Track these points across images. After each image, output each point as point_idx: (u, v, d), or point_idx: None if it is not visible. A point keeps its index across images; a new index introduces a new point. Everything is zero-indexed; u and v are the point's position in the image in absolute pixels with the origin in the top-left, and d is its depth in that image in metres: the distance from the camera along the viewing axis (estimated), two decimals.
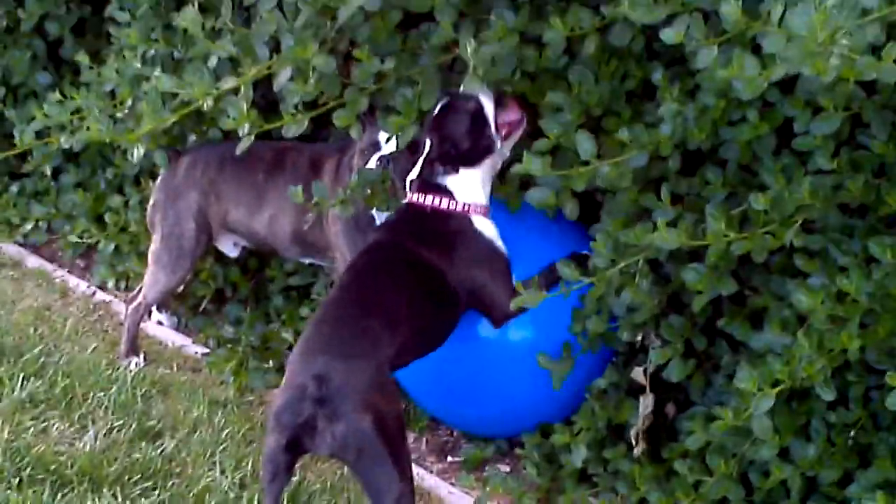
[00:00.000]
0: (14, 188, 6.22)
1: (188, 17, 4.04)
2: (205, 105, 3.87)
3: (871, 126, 3.58)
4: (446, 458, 4.71)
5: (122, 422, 4.57)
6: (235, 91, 3.95)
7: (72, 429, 4.54)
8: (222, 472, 4.31)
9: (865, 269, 3.51)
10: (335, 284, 4.06)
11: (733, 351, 4.15)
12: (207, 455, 4.41)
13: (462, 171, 4.13)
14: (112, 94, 4.97)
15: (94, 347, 5.16)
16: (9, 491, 4.07)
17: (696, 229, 3.71)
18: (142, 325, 5.35)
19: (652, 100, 4.09)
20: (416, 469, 4.40)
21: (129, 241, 5.68)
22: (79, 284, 5.76)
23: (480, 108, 4.10)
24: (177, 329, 5.51)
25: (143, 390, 4.83)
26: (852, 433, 3.80)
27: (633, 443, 4.27)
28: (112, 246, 5.70)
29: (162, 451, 4.41)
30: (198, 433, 4.56)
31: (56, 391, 4.73)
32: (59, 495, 4.08)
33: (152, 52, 5.01)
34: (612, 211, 4.12)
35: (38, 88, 5.88)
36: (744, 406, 3.61)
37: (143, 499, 4.13)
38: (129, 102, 4.83)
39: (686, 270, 3.84)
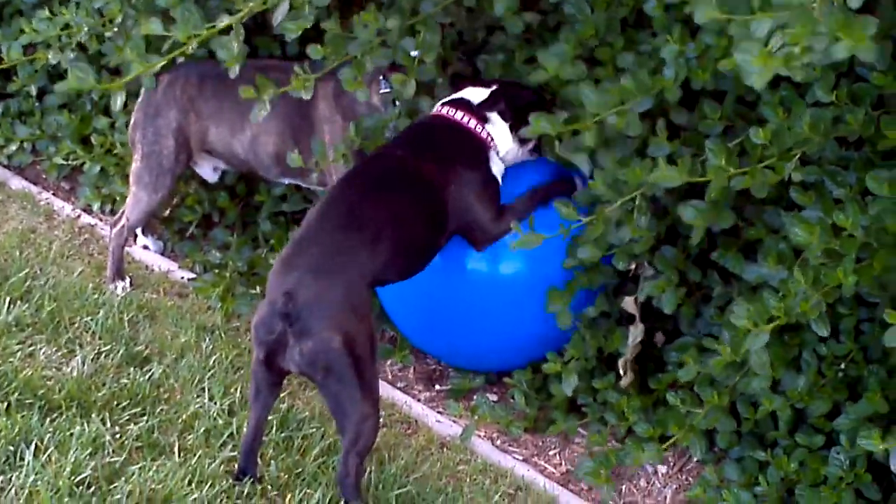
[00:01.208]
0: None
1: None
2: (189, 48, 3.81)
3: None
4: (434, 386, 4.75)
5: (109, 347, 4.57)
6: (227, 31, 3.88)
7: (59, 353, 4.53)
8: (210, 398, 4.32)
9: (861, 203, 3.51)
10: (323, 196, 4.04)
11: (725, 282, 4.17)
12: (195, 381, 4.43)
13: (504, 121, 4.24)
14: (100, 11, 4.91)
15: (81, 271, 5.14)
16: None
17: (693, 164, 3.71)
18: (127, 249, 5.36)
19: (643, 28, 4.09)
20: (402, 397, 4.51)
21: (115, 164, 5.64)
22: (63, 207, 5.73)
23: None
24: (162, 254, 5.48)
25: (130, 315, 4.82)
26: (843, 366, 3.85)
27: (622, 373, 4.30)
28: (98, 168, 5.66)
29: (150, 376, 4.42)
30: (185, 359, 4.57)
31: (42, 315, 4.72)
32: (48, 420, 4.08)
33: None
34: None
35: (23, 7, 5.76)
36: (739, 341, 3.63)
37: (131, 424, 4.14)
38: (119, 20, 4.77)
39: (685, 208, 3.85)
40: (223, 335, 4.78)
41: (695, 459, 4.19)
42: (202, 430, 4.13)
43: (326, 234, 3.80)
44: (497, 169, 4.22)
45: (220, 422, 4.19)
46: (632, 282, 4.32)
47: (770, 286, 3.77)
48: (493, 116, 4.22)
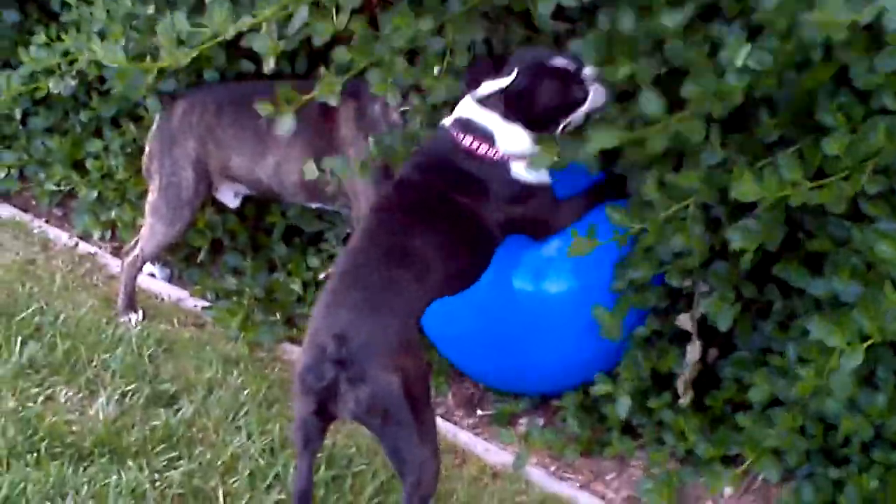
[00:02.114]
0: None
1: None
2: (226, 34, 3.62)
3: None
4: (475, 411, 4.56)
5: (132, 386, 4.36)
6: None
7: (80, 395, 4.33)
8: (248, 436, 4.13)
9: None
10: (359, 228, 3.81)
11: (784, 297, 4.02)
12: (229, 419, 4.23)
13: (516, 126, 3.92)
14: (101, 34, 4.67)
15: (90, 305, 4.91)
16: (28, 468, 3.86)
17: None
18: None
19: None
20: (445, 425, 4.35)
21: (114, 189, 5.40)
22: (60, 236, 5.50)
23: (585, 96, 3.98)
24: (170, 281, 5.26)
25: (149, 350, 4.61)
26: None
27: (680, 392, 4.14)
28: (94, 194, 5.40)
29: (180, 416, 4.22)
30: (214, 395, 4.37)
31: (57, 354, 4.50)
32: (82, 469, 3.89)
33: None
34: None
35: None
36: (823, 361, 3.48)
37: (170, 470, 3.93)
38: (122, 42, 4.55)
39: (733, 231, 3.71)
40: (249, 367, 4.58)
41: (760, 479, 4.03)
42: (246, 472, 3.93)
43: (372, 268, 3.59)
44: (526, 173, 3.95)
45: (262, 462, 3.99)
46: (684, 299, 4.15)
47: (842, 302, 3.65)
48: (510, 129, 3.92)
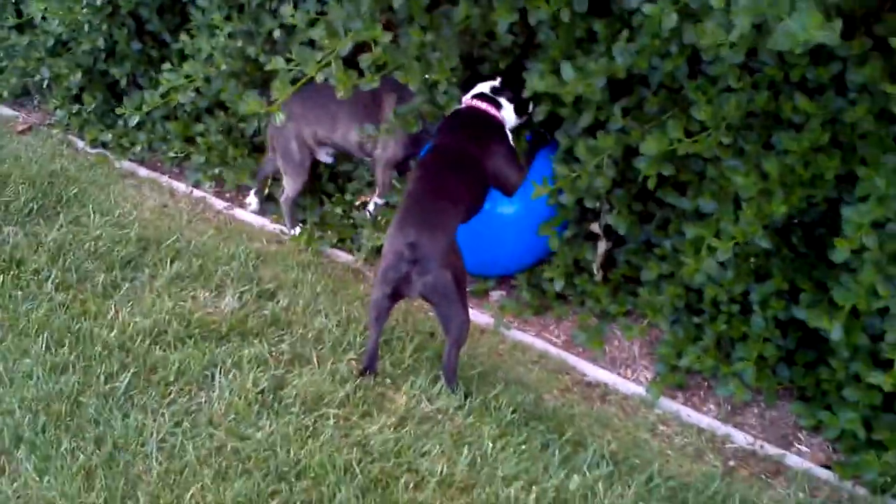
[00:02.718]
0: (119, 122, 5.49)
1: (288, 12, 3.58)
2: (317, 77, 3.39)
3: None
4: None
5: (246, 287, 4.19)
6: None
7: (213, 295, 4.15)
8: (325, 316, 3.99)
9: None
10: (411, 179, 3.76)
11: (661, 209, 3.97)
12: (311, 306, 4.09)
13: (510, 103, 4.00)
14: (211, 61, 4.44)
15: (209, 234, 4.68)
16: (188, 348, 3.72)
17: (659, 137, 3.43)
18: (234, 212, 4.90)
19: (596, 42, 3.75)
20: None
21: (217, 154, 5.12)
22: (180, 186, 5.22)
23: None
24: (259, 213, 4.98)
25: (252, 262, 4.41)
26: (752, 259, 3.65)
27: (595, 272, 4.08)
28: (202, 158, 5.12)
29: (280, 306, 4.07)
30: (298, 289, 4.22)
31: (193, 269, 4.31)
32: (223, 347, 3.75)
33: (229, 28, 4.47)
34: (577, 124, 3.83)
35: (131, 55, 5.28)
36: (702, 256, 3.42)
37: (281, 344, 3.82)
38: (224, 67, 4.32)
39: (639, 161, 3.59)
40: (318, 269, 4.43)
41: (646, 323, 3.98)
42: (328, 342, 3.81)
43: (426, 201, 3.61)
44: (509, 134, 4.00)
45: (338, 334, 3.88)
46: (592, 213, 4.07)
47: (701, 214, 3.57)
48: (504, 102, 4.00)
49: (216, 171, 5.12)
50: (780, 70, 3.38)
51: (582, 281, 4.11)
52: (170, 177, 5.30)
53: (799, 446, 3.57)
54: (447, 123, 3.94)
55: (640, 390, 3.78)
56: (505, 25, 3.65)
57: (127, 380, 3.52)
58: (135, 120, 4.50)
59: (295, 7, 3.81)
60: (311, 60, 3.33)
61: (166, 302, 3.99)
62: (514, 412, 3.48)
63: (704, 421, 3.64)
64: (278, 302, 4.08)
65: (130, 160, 5.41)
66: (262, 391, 3.49)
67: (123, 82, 5.37)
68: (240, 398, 3.45)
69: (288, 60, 3.38)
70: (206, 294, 4.11)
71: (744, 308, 3.71)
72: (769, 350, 3.59)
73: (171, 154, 5.27)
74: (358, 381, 3.56)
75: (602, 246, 4.06)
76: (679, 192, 3.80)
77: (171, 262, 4.31)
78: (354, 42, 3.49)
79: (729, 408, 3.72)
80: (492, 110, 3.92)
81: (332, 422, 3.37)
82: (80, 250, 4.36)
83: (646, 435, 3.54)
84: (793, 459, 3.47)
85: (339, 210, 4.71)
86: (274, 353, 3.72)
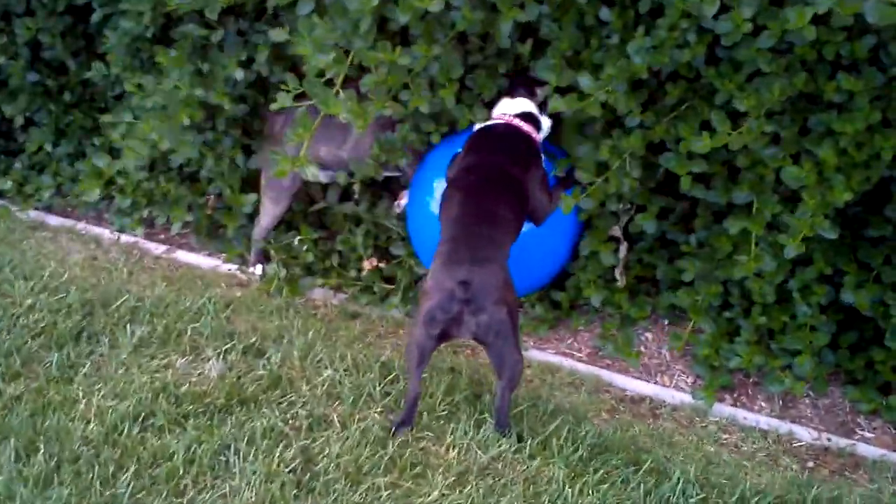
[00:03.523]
0: (17, 164, 4.86)
1: (280, 36, 3.23)
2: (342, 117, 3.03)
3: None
4: None
5: (227, 345, 3.71)
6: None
7: (190, 360, 3.65)
8: (329, 367, 3.60)
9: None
10: (453, 203, 3.38)
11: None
12: (308, 358, 3.65)
13: (546, 118, 3.67)
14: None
15: (160, 286, 4.14)
16: (187, 430, 3.23)
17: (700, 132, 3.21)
18: (175, 256, 4.38)
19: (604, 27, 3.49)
20: None
21: (143, 193, 4.54)
22: (104, 233, 4.61)
23: None
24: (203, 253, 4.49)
25: (223, 315, 3.91)
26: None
27: (618, 277, 3.85)
28: (128, 199, 4.52)
29: (273, 363, 3.61)
30: (286, 339, 3.77)
31: (158, 330, 3.78)
32: (227, 423, 3.28)
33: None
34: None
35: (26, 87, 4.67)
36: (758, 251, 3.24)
37: (292, 407, 3.38)
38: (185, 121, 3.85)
39: (667, 160, 3.40)
40: (299, 312, 3.97)
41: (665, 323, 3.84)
42: (346, 397, 3.41)
43: (475, 231, 3.27)
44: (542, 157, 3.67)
45: (350, 385, 3.49)
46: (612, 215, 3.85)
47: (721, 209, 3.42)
48: (544, 120, 3.66)
49: (145, 211, 4.56)
50: (812, 49, 3.20)
51: (597, 288, 3.86)
52: (87, 223, 4.70)
53: (861, 432, 3.48)
54: (480, 140, 3.56)
55: (686, 398, 3.58)
56: (508, 27, 3.34)
57: (128, 481, 3.01)
58: (95, 196, 3.98)
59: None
60: (329, 97, 2.91)
61: (140, 376, 3.48)
62: (575, 447, 3.21)
63: (762, 421, 3.49)
64: (269, 358, 3.63)
65: (36, 208, 4.77)
66: (292, 469, 3.08)
67: (20, 121, 4.72)
68: (269, 482, 3.02)
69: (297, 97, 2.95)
70: (183, 360, 3.62)
71: (780, 297, 3.57)
72: (819, 338, 3.46)
73: (86, 198, 4.66)
74: (396, 438, 3.20)
75: (623, 250, 3.83)
76: (702, 184, 3.59)
77: (128, 326, 3.78)
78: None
79: (780, 402, 3.58)
80: (533, 132, 3.59)
81: (384, 493, 3.00)
82: (15, 327, 3.75)
83: (713, 447, 3.35)
84: (864, 448, 3.37)
85: (306, 245, 4.24)
86: (289, 421, 3.30)
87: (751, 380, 3.67)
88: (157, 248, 4.48)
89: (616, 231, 3.81)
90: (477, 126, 3.66)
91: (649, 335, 3.88)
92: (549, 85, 3.41)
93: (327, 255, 4.24)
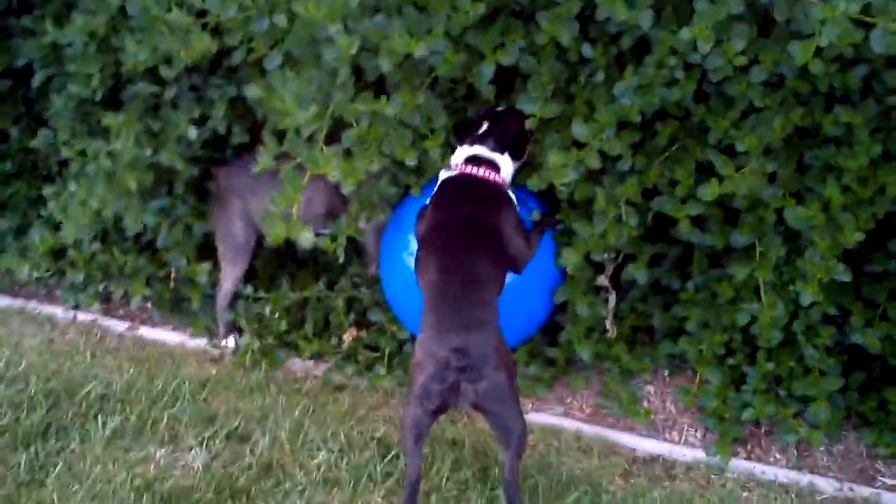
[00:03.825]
0: None
1: (255, 93, 2.93)
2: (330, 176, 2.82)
3: None
4: None
5: (207, 431, 3.47)
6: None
7: (170, 450, 3.40)
8: (322, 448, 3.38)
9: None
10: (429, 265, 3.16)
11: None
12: (300, 440, 3.44)
13: (506, 155, 3.41)
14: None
15: (128, 369, 3.86)
16: None
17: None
18: (139, 333, 4.12)
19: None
20: None
21: (98, 266, 4.28)
22: (57, 312, 4.34)
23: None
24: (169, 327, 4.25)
25: (199, 397, 3.67)
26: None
27: (609, 328, 3.72)
28: (80, 274, 4.26)
29: (261, 448, 3.39)
30: (270, 420, 3.54)
31: (131, 419, 3.52)
32: None
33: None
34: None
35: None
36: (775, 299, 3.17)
37: (288, 500, 3.16)
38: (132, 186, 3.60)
39: (661, 203, 3.29)
40: (280, 388, 3.75)
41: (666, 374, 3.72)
42: (345, 481, 3.20)
43: (460, 293, 3.06)
44: (513, 197, 3.45)
45: (347, 468, 3.28)
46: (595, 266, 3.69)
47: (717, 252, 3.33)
48: (501, 160, 3.41)
49: (100, 286, 4.30)
50: (804, 81, 3.13)
51: (587, 342, 3.71)
52: (39, 301, 4.41)
53: (882, 479, 3.38)
54: (444, 193, 3.38)
55: (699, 454, 3.45)
56: (490, 70, 3.19)
57: None
58: (24, 274, 3.72)
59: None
60: (316, 156, 2.73)
61: (118, 472, 3.22)
62: None
63: (780, 474, 3.37)
64: (256, 442, 3.41)
65: None
66: None
67: None
68: None
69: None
70: (163, 451, 3.37)
71: (783, 340, 3.47)
72: (831, 383, 3.37)
73: (36, 274, 4.37)
74: None
75: (612, 300, 3.69)
76: (696, 228, 3.49)
77: (98, 416, 3.51)
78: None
79: (795, 452, 3.48)
80: (492, 175, 3.39)
81: None
82: None
83: None
84: (888, 497, 3.27)
85: (278, 312, 4.03)
86: None
87: (762, 430, 3.56)
88: (119, 326, 4.22)
89: (602, 281, 3.67)
90: (441, 176, 3.51)
91: (650, 388, 3.74)
92: (534, 117, 3.26)
93: (301, 322, 4.04)
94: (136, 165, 3.51)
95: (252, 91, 3.05)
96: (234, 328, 4.05)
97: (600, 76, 3.33)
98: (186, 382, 3.71)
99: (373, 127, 3.00)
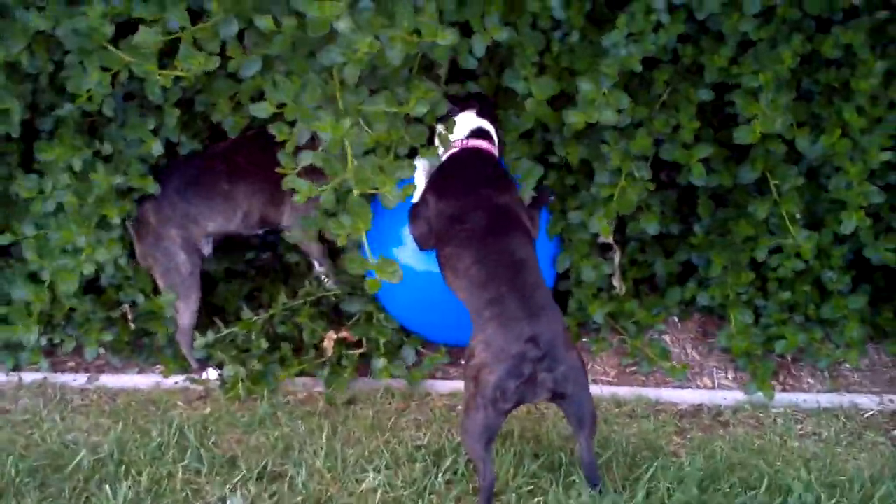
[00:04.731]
0: None
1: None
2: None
3: None
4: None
5: (235, 477, 3.16)
6: None
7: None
8: (366, 468, 3.16)
9: None
10: (465, 261, 2.97)
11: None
12: (338, 465, 3.19)
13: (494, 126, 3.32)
14: None
15: (112, 427, 3.44)
16: None
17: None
18: (102, 383, 3.73)
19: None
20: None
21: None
22: (20, 377, 3.81)
23: None
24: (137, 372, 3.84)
25: (207, 441, 3.34)
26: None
27: (616, 285, 3.66)
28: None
29: (301, 482, 3.12)
30: (294, 451, 3.27)
31: (142, 483, 3.14)
32: None
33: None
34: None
35: None
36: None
37: None
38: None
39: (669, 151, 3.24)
40: (286, 413, 3.47)
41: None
42: (399, 500, 3.01)
43: (514, 283, 2.88)
44: None
45: (399, 482, 3.09)
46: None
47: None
48: (493, 131, 3.31)
49: (43, 339, 3.84)
50: (792, 7, 3.12)
51: (600, 303, 3.64)
52: None
53: None
54: (455, 173, 3.19)
55: (739, 396, 3.48)
56: (482, 47, 3.01)
57: None
58: None
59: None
60: (362, 174, 2.49)
61: None
62: (681, 486, 2.98)
63: (822, 399, 3.44)
64: (293, 479, 3.14)
65: None
66: None
67: None
68: None
69: None
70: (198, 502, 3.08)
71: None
72: (856, 301, 3.44)
73: None
74: None
75: (618, 256, 3.62)
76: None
77: (104, 487, 3.12)
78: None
79: (826, 374, 3.54)
80: (493, 149, 3.24)
81: None
82: None
83: (795, 442, 3.26)
84: None
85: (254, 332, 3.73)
86: None
87: (788, 359, 3.60)
88: (75, 380, 3.79)
89: (607, 238, 3.57)
90: (425, 160, 3.29)
91: (667, 338, 3.72)
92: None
93: (274, 340, 3.77)
94: (108, 196, 3.14)
95: (258, 110, 2.74)
96: (207, 361, 3.76)
97: (575, 36, 3.23)
98: (185, 427, 3.39)
99: (392, 128, 2.76)
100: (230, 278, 4.06)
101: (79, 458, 3.25)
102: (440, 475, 3.07)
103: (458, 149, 3.23)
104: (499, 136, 3.33)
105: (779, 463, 3.12)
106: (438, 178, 3.22)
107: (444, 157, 3.25)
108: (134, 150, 3.33)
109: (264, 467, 3.19)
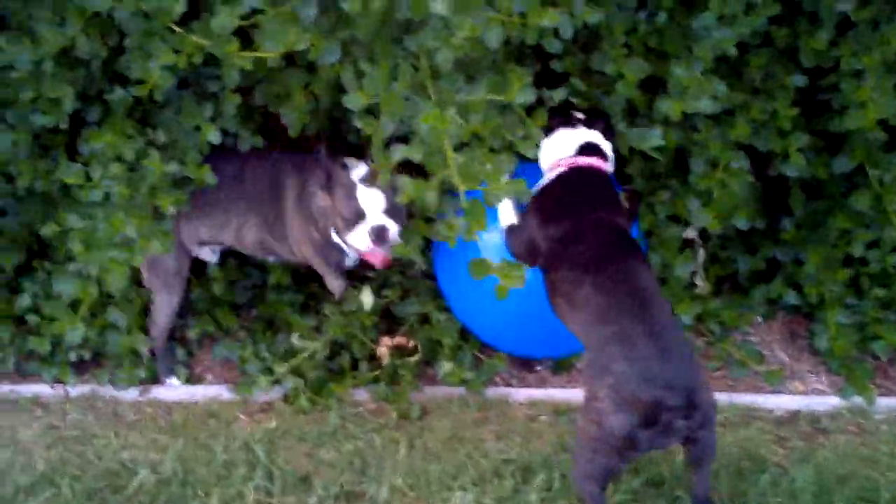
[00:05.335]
0: None
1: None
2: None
3: None
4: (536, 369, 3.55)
5: (311, 497, 3.00)
6: None
7: None
8: (455, 487, 2.97)
9: None
10: (584, 290, 2.67)
11: None
12: (423, 483, 3.02)
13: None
14: None
15: (170, 442, 3.26)
16: None
17: None
18: (153, 396, 3.53)
19: None
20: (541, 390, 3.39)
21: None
22: (43, 390, 3.57)
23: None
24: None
25: (278, 456, 3.15)
26: None
27: (700, 284, 3.50)
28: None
29: (380, 500, 2.96)
30: (365, 463, 3.12)
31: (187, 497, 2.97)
32: None
33: None
34: None
35: None
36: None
37: None
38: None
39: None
40: (362, 426, 3.29)
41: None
42: None
43: (642, 317, 2.58)
44: None
45: (489, 500, 2.92)
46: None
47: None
48: (609, 151, 3.03)
49: (71, 354, 3.57)
50: None
51: (688, 303, 3.45)
52: (12, 382, 3.69)
53: None
54: (568, 196, 2.90)
55: (835, 401, 3.32)
56: (570, 31, 2.81)
57: None
58: None
59: None
60: (472, 168, 2.32)
61: None
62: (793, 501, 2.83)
63: None
64: (373, 498, 2.96)
65: None
66: None
67: None
68: None
69: None
70: None
71: None
72: None
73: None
74: None
75: (702, 252, 3.45)
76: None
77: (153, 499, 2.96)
78: None
79: None
80: (605, 166, 2.98)
81: None
82: None
83: None
84: None
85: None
86: None
87: (879, 361, 3.44)
88: (127, 393, 3.56)
89: (689, 233, 3.41)
90: (548, 176, 3.00)
91: (753, 339, 3.55)
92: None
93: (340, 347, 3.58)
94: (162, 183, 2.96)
95: (354, 101, 2.55)
96: (175, 366, 3.61)
97: (663, 17, 3.05)
98: (251, 443, 3.21)
99: (487, 119, 2.56)
100: (282, 291, 3.85)
101: (138, 477, 3.09)
102: (533, 493, 2.90)
103: (564, 168, 2.96)
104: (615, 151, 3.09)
105: (890, 473, 2.96)
106: (548, 195, 2.95)
107: (547, 177, 3.00)
108: (189, 138, 3.13)
109: (340, 486, 3.02)
